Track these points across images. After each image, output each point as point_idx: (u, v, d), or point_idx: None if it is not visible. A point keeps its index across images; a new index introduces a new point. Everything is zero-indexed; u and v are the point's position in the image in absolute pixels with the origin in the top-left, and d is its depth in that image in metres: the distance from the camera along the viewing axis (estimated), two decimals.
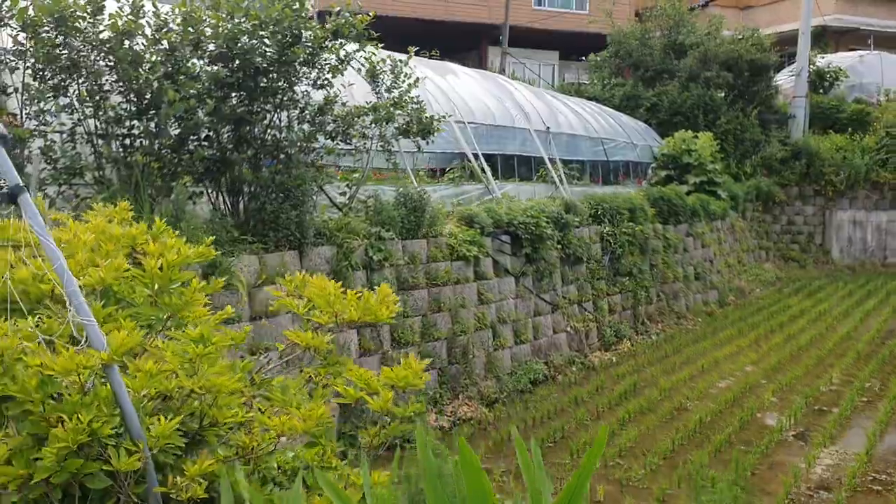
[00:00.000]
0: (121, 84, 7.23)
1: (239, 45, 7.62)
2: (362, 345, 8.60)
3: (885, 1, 30.24)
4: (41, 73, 6.84)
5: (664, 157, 19.86)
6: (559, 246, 12.01)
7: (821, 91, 24.40)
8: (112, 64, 7.11)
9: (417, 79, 9.71)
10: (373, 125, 8.98)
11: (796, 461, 7.72)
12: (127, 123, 7.37)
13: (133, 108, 7.24)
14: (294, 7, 7.75)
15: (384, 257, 9.00)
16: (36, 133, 6.69)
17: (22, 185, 2.26)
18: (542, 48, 30.19)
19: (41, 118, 6.82)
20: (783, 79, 24.34)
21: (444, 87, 13.66)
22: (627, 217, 14.18)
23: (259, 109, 8.04)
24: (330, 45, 8.14)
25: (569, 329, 11.73)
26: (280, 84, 8.03)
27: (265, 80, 7.91)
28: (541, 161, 15.24)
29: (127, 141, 7.45)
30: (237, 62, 7.68)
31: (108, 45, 7.00)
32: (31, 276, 2.43)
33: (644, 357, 11.86)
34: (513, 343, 10.58)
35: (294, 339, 2.75)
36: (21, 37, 6.82)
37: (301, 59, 7.90)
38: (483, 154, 13.12)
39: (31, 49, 6.79)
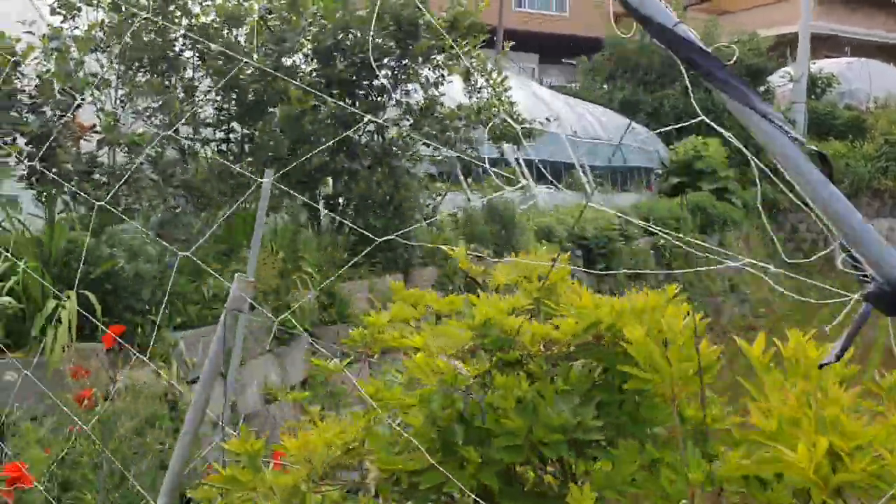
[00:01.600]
0: (216, 79, 5.98)
1: (351, 36, 6.45)
2: None
3: (863, 9, 30.55)
4: (135, 65, 5.54)
5: (674, 163, 19.28)
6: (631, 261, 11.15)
7: (812, 97, 24.30)
8: (210, 56, 5.86)
9: (506, 78, 8.65)
10: (465, 128, 7.86)
11: None
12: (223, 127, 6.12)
13: (235, 110, 6.00)
14: None
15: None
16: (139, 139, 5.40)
17: None
18: (523, 50, 29.43)
19: (141, 120, 5.52)
20: (773, 83, 24.16)
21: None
22: (674, 227, 13.45)
23: (363, 111, 6.86)
24: (444, 40, 7.00)
25: None
26: (389, 83, 6.88)
27: (374, 79, 6.77)
28: (567, 167, 14.41)
29: (223, 147, 6.20)
30: (343, 57, 6.51)
31: (208, 33, 5.74)
32: None
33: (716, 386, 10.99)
34: None
35: None
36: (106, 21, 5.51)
37: (419, 55, 6.77)
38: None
39: (120, 37, 5.48)
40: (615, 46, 23.00)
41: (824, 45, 30.75)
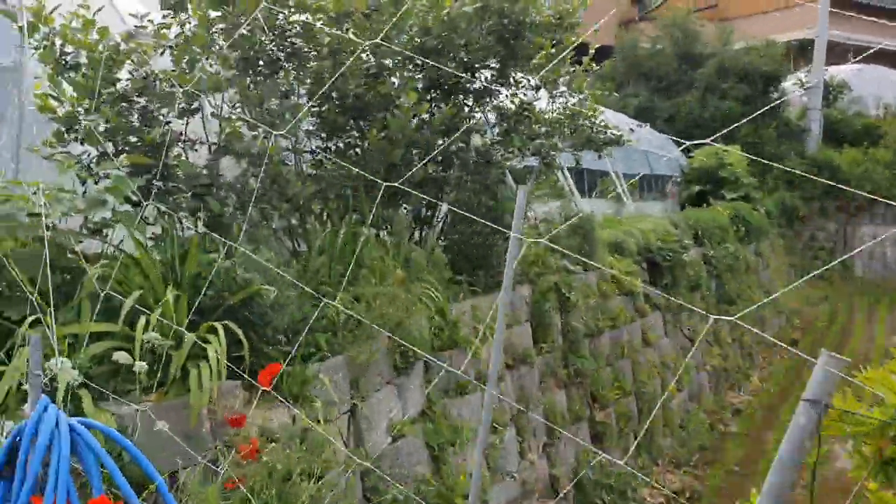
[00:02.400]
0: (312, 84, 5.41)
1: (458, 34, 5.94)
2: (569, 407, 7.01)
3: (867, 16, 30.60)
4: (245, 67, 4.96)
5: (695, 171, 19.00)
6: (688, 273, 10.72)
7: (824, 104, 24.19)
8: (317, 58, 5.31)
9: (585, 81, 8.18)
10: (549, 136, 7.37)
11: None
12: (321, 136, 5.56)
13: (342, 117, 5.45)
14: None
15: (581, 296, 7.43)
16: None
17: None
18: None
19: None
20: (787, 89, 24.00)
21: None
22: (719, 238, 13.09)
23: (464, 118, 6.35)
24: (552, 38, 6.51)
25: (708, 368, 10.42)
26: (490, 86, 6.37)
27: (474, 82, 6.26)
28: (599, 174, 13.99)
29: (322, 158, 5.65)
30: (451, 58, 5.99)
31: (314, 32, 5.19)
32: None
33: (789, 403, 10.64)
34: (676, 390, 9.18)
35: None
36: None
37: (524, 56, 6.27)
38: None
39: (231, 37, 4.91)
40: (626, 52, 22.73)
41: (829, 52, 30.72)
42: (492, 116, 6.88)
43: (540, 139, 7.07)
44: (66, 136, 4.69)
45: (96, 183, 4.62)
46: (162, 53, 4.65)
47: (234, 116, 4.52)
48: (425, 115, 5.90)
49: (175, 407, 3.74)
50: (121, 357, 3.56)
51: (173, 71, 4.32)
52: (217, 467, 3.74)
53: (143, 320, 3.60)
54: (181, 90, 4.17)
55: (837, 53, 30.40)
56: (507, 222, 6.52)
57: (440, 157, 6.33)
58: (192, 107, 4.46)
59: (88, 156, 4.62)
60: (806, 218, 21.14)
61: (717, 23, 33.21)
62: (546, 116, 7.12)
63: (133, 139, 4.57)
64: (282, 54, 5.23)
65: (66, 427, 2.28)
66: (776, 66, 21.97)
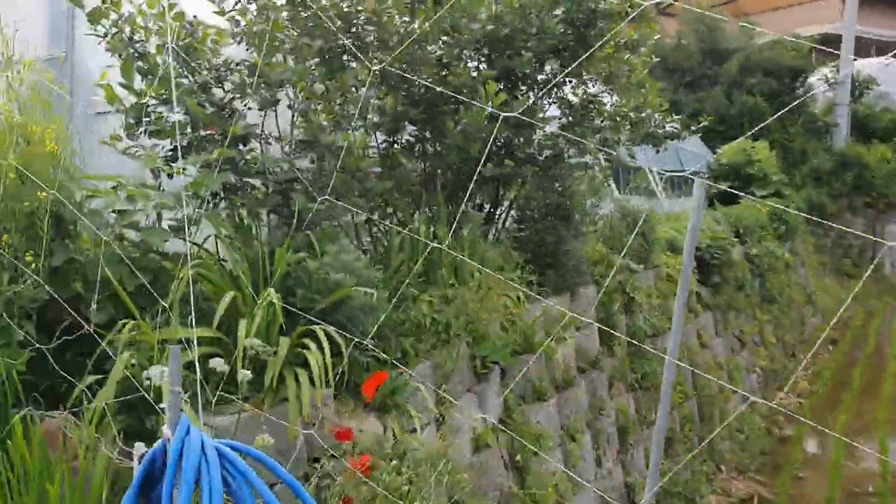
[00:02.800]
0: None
1: (528, 22, 5.67)
2: (637, 411, 6.75)
3: (890, 11, 30.26)
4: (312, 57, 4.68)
5: (723, 167, 18.70)
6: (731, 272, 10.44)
7: (850, 99, 23.86)
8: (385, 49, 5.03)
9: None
10: (617, 131, 7.10)
11: None
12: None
13: (414, 109, 5.17)
14: None
15: (644, 296, 7.16)
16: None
17: None
18: None
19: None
20: (814, 85, 23.67)
21: None
22: (759, 235, 12.81)
23: (535, 110, 6.08)
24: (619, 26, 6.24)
25: (757, 369, 10.14)
26: (557, 77, 6.10)
27: (541, 73, 6.00)
28: (630, 170, 13.70)
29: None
30: (524, 48, 5.72)
31: (382, 23, 4.90)
32: None
33: (842, 405, 10.34)
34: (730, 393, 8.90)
35: None
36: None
37: (594, 45, 5.99)
38: None
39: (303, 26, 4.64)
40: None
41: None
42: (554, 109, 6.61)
43: (603, 133, 6.80)
44: (135, 128, 4.43)
45: (170, 178, 4.36)
46: (239, 42, 4.39)
47: (316, 108, 4.24)
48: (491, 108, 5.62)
49: (268, 418, 3.48)
50: (217, 364, 3.29)
51: (266, 62, 4.03)
52: (308, 482, 3.49)
53: (243, 325, 3.34)
54: (256, 81, 3.90)
55: (860, 48, 30.06)
56: (577, 220, 6.26)
57: (503, 152, 6.07)
58: (273, 98, 4.18)
59: (163, 149, 4.36)
60: (834, 215, 20.81)
61: (736, 18, 32.93)
62: (610, 109, 6.85)
63: (205, 133, 4.32)
64: (351, 43, 4.96)
65: (214, 453, 2.00)
66: (802, 61, 21.67)
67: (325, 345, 3.44)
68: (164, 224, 4.11)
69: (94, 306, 3.34)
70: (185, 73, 4.18)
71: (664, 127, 7.72)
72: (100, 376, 3.17)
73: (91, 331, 3.35)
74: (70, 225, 3.55)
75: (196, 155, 3.91)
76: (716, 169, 18.72)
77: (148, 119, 4.45)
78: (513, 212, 6.54)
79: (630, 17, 6.18)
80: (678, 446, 6.87)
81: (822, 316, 15.19)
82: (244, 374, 3.19)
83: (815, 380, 11.19)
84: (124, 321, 3.36)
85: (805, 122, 21.51)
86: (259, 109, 4.19)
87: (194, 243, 4.02)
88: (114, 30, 4.42)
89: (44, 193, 3.07)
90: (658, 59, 7.82)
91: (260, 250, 3.85)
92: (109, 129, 4.46)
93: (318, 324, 3.72)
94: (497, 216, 6.37)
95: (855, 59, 24.87)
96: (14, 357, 3.10)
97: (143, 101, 4.43)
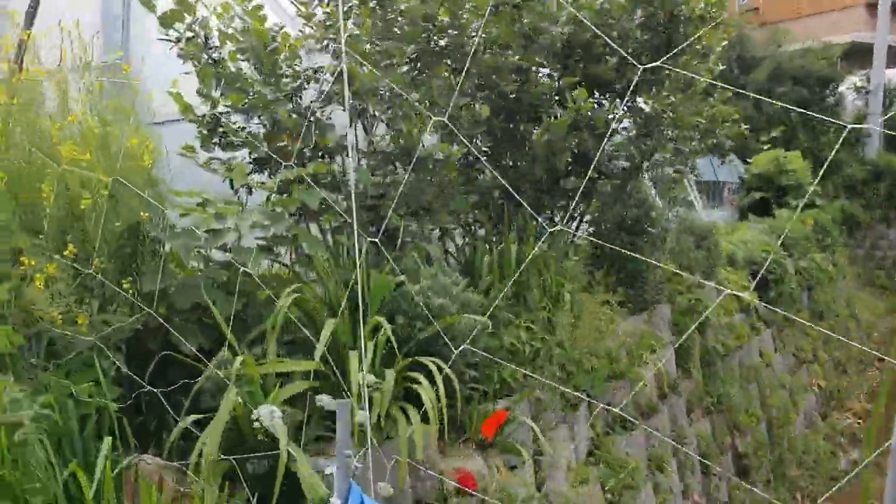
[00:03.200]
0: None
1: (610, 27, 5.36)
2: (714, 436, 6.39)
3: None
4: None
5: (755, 177, 18.33)
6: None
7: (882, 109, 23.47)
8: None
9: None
10: (690, 141, 6.77)
11: None
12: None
13: (495, 119, 4.85)
14: None
15: (715, 315, 6.81)
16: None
17: None
18: None
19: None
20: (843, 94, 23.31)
21: None
22: (803, 248, 12.44)
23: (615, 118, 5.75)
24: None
25: (814, 388, 9.76)
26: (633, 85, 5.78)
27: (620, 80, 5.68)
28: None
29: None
30: (605, 54, 5.41)
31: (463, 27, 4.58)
32: None
33: None
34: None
35: None
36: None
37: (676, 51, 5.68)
38: None
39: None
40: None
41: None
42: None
43: (675, 142, 6.47)
44: (209, 139, 4.13)
45: (250, 193, 4.05)
46: (326, 47, 4.08)
47: (410, 117, 3.91)
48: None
49: (376, 458, 3.15)
50: (325, 401, 2.97)
51: (364, 69, 3.71)
52: None
53: (354, 358, 3.01)
54: (343, 88, 3.59)
55: (889, 57, 29.63)
56: (654, 235, 5.93)
57: (580, 164, 5.74)
58: (361, 107, 3.87)
59: (242, 161, 4.06)
60: (867, 226, 20.43)
61: (758, 26, 32.59)
62: (684, 118, 6.52)
63: (281, 144, 4.01)
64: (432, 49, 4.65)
65: None
66: (832, 70, 21.34)
67: (439, 379, 3.11)
68: (246, 243, 3.80)
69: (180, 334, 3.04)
70: (267, 80, 3.87)
71: (727, 137, 7.40)
72: (201, 415, 2.85)
73: (191, 361, 3.04)
74: (157, 245, 3.24)
75: (286, 169, 3.59)
76: (749, 179, 18.36)
77: (222, 130, 4.16)
78: (583, 225, 6.21)
79: (715, 24, 5.85)
80: (755, 473, 6.50)
81: (864, 330, 14.80)
82: (364, 416, 2.85)
83: (871, 399, 10.79)
84: (223, 351, 3.04)
85: (836, 131, 21.13)
86: (350, 120, 3.88)
87: (283, 264, 3.70)
88: (188, 34, 4.12)
89: (145, 213, 2.76)
90: (724, 66, 7.49)
91: (357, 273, 3.53)
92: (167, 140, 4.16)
93: (421, 353, 3.41)
94: (570, 231, 6.05)
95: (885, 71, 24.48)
96: (107, 395, 2.78)
97: (217, 110, 4.14)
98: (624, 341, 5.13)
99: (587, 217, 6.15)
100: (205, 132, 4.13)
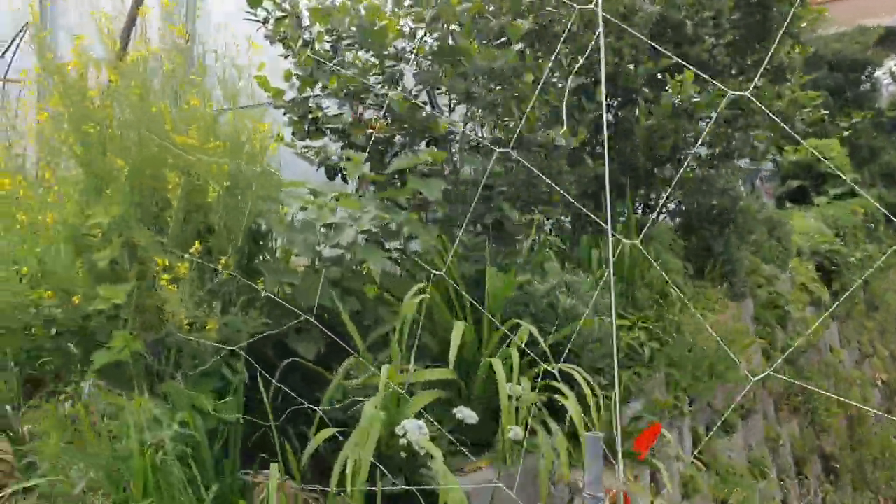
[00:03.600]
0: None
1: (704, 6, 5.04)
2: (801, 436, 6.10)
3: None
4: None
5: (792, 164, 17.93)
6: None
7: None
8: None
9: None
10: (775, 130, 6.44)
11: None
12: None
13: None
14: None
15: (793, 308, 6.51)
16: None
17: None
18: None
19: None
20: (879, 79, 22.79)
21: None
22: (854, 238, 12.11)
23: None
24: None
25: (878, 382, 9.44)
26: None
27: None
28: None
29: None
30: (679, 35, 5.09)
31: None
32: None
33: None
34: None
35: None
36: None
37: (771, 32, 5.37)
38: None
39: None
40: None
41: None
42: None
43: (759, 130, 6.16)
44: (301, 125, 3.86)
45: (345, 181, 3.77)
46: (430, 25, 3.78)
47: (526, 100, 3.61)
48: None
49: (509, 475, 2.87)
50: (464, 414, 2.69)
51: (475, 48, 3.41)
52: None
53: (499, 366, 2.73)
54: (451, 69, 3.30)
55: None
56: (741, 224, 5.63)
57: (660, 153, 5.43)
58: (470, 90, 3.58)
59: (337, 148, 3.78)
60: None
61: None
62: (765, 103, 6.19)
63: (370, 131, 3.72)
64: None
65: None
66: (870, 54, 20.87)
67: (587, 390, 2.83)
68: (347, 237, 3.52)
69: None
70: (371, 63, 3.59)
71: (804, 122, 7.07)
72: (338, 430, 2.58)
73: (316, 368, 2.78)
74: (272, 241, 2.97)
75: (401, 159, 3.30)
76: (785, 166, 17.97)
77: (311, 115, 3.89)
78: (664, 215, 5.91)
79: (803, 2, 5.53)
80: (842, 475, 6.22)
81: None
82: (516, 433, 2.58)
83: None
84: (349, 359, 2.77)
85: (873, 118, 20.68)
86: (452, 104, 3.59)
87: (396, 261, 3.42)
88: (277, 13, 3.84)
89: (283, 207, 2.48)
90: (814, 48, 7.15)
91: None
92: None
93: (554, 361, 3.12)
94: (653, 221, 5.75)
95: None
96: (231, 407, 2.51)
97: (307, 94, 3.87)
98: (725, 339, 4.84)
99: (670, 207, 5.86)
100: (295, 118, 3.86)
